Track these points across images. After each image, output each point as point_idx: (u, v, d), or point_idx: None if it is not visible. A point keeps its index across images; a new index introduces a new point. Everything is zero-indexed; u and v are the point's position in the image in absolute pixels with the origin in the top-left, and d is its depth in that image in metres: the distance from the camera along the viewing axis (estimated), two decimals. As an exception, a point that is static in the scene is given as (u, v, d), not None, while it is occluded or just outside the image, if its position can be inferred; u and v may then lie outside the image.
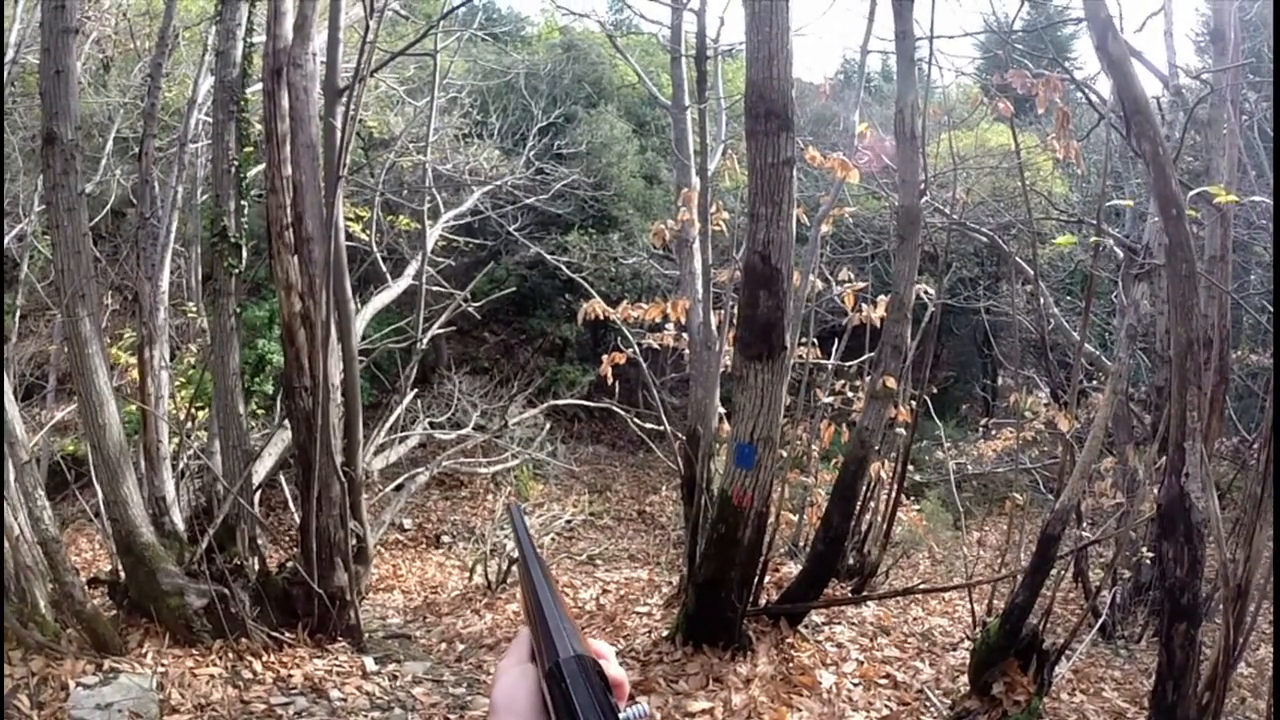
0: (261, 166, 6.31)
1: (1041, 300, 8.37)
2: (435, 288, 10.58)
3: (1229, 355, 7.54)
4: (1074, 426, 6.37)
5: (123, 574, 5.36)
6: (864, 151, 6.34)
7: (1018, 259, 9.44)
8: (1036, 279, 7.75)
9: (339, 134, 5.89)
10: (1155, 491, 6.45)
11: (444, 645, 6.51)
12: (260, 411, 10.17)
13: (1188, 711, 3.02)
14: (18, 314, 9.34)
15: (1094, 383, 9.86)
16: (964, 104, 12.47)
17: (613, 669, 0.75)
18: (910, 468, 8.08)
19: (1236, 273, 9.63)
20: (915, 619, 7.34)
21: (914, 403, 7.16)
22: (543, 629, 0.76)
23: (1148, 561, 7.60)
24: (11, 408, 4.75)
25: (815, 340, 7.99)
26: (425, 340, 9.35)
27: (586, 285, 8.62)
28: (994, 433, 11.25)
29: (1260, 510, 3.13)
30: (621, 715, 0.67)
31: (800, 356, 7.46)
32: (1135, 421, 8.35)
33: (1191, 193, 5.26)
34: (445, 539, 11.27)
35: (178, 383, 9.03)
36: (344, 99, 6.02)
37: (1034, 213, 8.59)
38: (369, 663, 5.52)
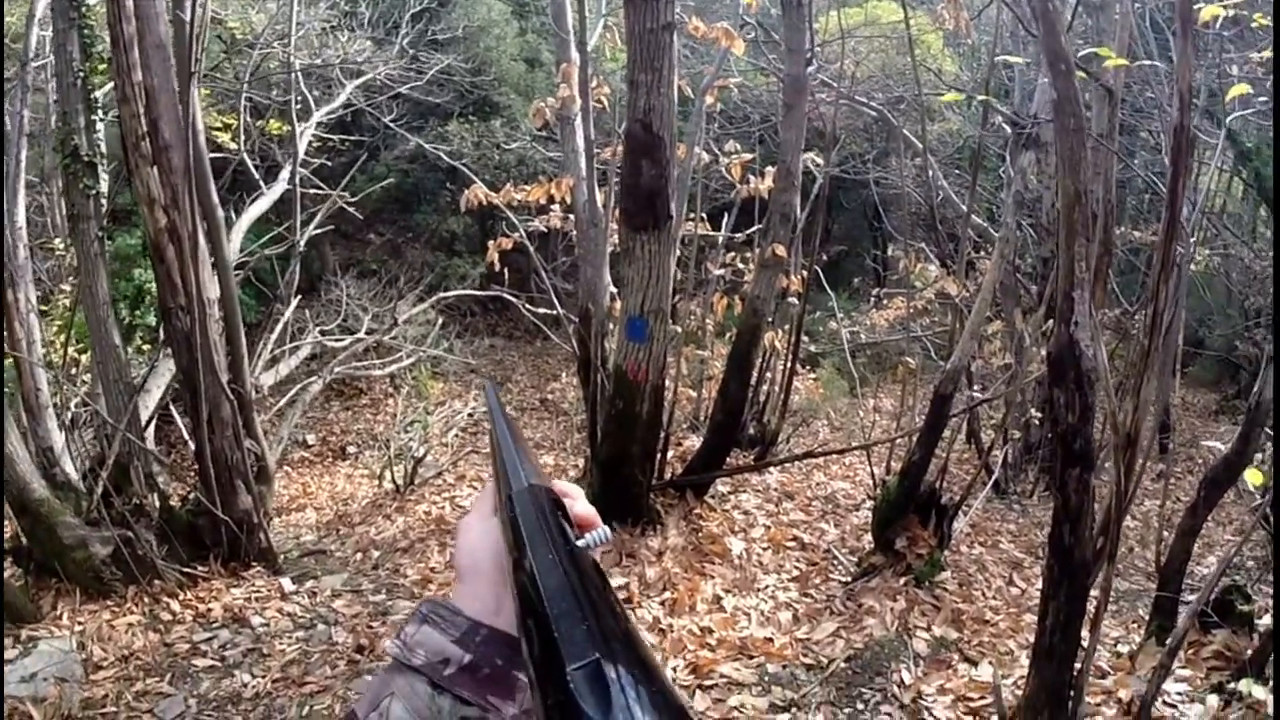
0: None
1: (930, 173, 8.47)
2: (312, 190, 10.09)
3: (1113, 230, 7.81)
4: (963, 293, 6.55)
5: (23, 536, 5.10)
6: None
7: (907, 133, 9.49)
8: (926, 153, 7.81)
9: (189, 28, 5.42)
10: (1042, 353, 6.74)
11: (359, 555, 6.43)
12: (146, 346, 9.62)
13: (1084, 554, 3.16)
14: None
15: (981, 254, 10.14)
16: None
17: (580, 507, 0.71)
18: (805, 339, 8.24)
19: (1123, 155, 9.94)
20: (818, 484, 7.60)
21: (805, 273, 7.24)
22: (502, 474, 0.72)
23: (1036, 422, 8.01)
24: None
25: (704, 216, 7.95)
26: (303, 243, 8.95)
27: (471, 174, 8.30)
28: (885, 303, 11.55)
29: (1148, 362, 3.23)
30: (579, 542, 0.61)
31: (689, 230, 7.41)
32: (1022, 291, 8.65)
33: (1082, 52, 5.30)
34: (351, 450, 11.06)
35: (55, 327, 8.45)
36: (192, -10, 5.51)
37: (924, 88, 8.59)
38: (286, 583, 5.45)
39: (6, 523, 5.16)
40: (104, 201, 6.24)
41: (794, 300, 7.06)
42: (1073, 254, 3.04)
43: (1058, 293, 3.14)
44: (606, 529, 0.66)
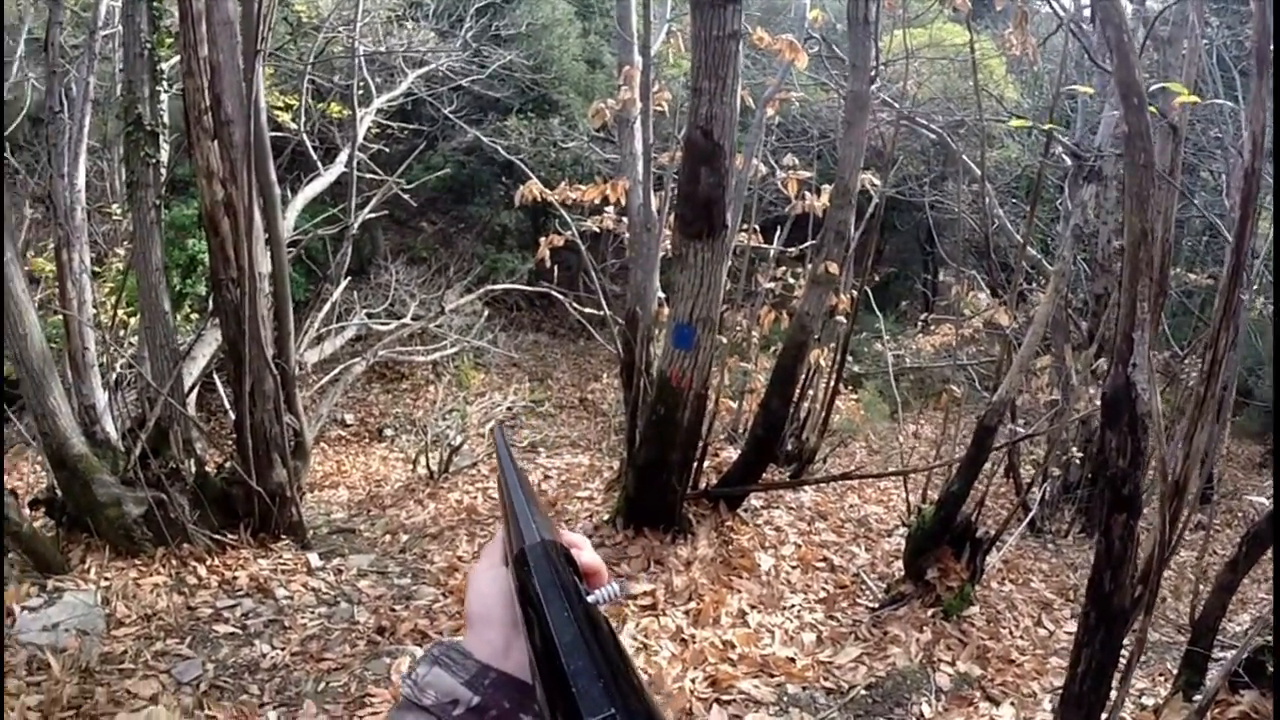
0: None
1: (987, 200, 8.34)
2: (369, 175, 10.22)
3: (1169, 271, 7.68)
4: (1013, 325, 6.44)
5: (58, 490, 5.20)
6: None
7: (965, 158, 9.36)
8: (983, 179, 7.70)
9: (256, 7, 5.51)
10: (1090, 392, 6.59)
11: (388, 537, 6.48)
12: (194, 315, 9.83)
13: (1123, 602, 3.08)
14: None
15: (1033, 286, 9.99)
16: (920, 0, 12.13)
17: (586, 556, 0.74)
18: (849, 358, 8.16)
19: (1181, 195, 9.80)
20: (851, 506, 7.51)
21: (855, 292, 7.16)
22: (513, 525, 0.75)
23: (1076, 461, 7.85)
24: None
25: (758, 227, 7.91)
26: (357, 225, 9.05)
27: (526, 170, 8.34)
28: (933, 328, 11.40)
29: (1203, 410, 3.14)
30: (590, 597, 0.64)
31: (741, 241, 7.37)
32: (1073, 327, 8.51)
33: (1154, 86, 5.20)
34: (388, 432, 11.18)
35: (106, 289, 8.63)
36: (262, -33, 5.59)
37: (984, 114, 8.48)
38: (313, 559, 5.49)
39: (43, 474, 5.26)
40: (163, 171, 6.33)
41: (842, 319, 6.99)
42: (1135, 294, 2.95)
43: (1116, 333, 3.06)
44: (616, 585, 0.68)
